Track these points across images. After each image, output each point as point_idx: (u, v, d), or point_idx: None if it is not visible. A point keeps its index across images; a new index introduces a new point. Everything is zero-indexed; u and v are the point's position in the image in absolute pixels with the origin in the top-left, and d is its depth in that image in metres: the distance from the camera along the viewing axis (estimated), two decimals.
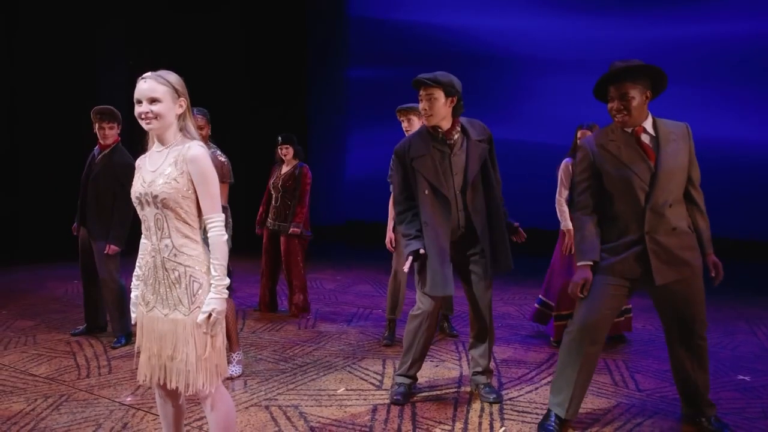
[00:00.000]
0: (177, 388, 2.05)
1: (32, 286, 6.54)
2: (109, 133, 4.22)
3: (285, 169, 5.04)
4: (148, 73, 2.00)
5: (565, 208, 4.13)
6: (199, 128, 3.38)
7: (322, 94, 10.73)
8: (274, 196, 5.02)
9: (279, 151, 5.05)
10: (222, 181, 3.51)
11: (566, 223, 4.11)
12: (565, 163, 4.19)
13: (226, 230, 3.58)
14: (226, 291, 2.03)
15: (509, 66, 9.07)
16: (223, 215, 2.07)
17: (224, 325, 2.08)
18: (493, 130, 3.15)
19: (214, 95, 6.72)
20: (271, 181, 5.08)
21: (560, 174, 4.20)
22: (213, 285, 2.01)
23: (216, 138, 3.91)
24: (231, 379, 3.46)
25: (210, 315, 1.98)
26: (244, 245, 5.53)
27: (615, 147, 2.60)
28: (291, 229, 4.88)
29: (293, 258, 4.97)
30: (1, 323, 4.88)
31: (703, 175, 2.71)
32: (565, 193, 4.15)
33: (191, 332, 2.00)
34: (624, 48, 7.77)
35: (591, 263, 2.64)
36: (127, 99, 2.05)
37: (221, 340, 2.07)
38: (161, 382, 2.04)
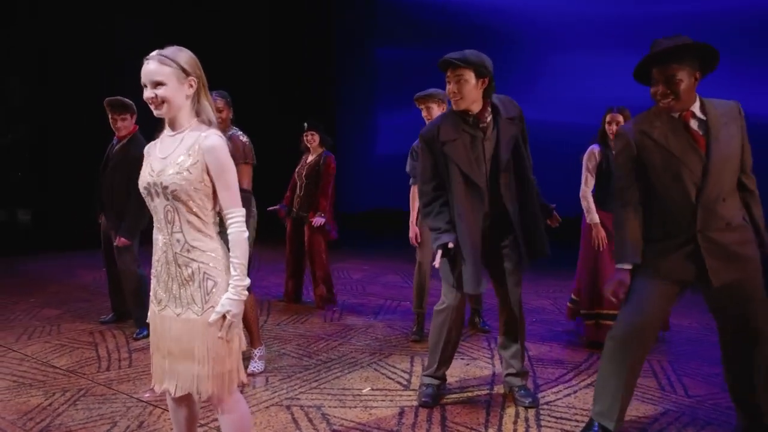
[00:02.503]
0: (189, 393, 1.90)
1: (60, 274, 6.57)
2: (121, 125, 4.14)
3: (310, 157, 4.87)
4: (154, 53, 1.82)
5: (591, 200, 3.80)
6: (218, 111, 3.22)
7: (350, 74, 10.51)
8: (298, 184, 4.87)
9: (304, 137, 4.87)
10: (245, 162, 3.36)
11: (592, 216, 3.79)
12: (591, 150, 3.82)
13: (251, 219, 3.48)
14: (246, 292, 1.86)
15: (544, 43, 8.71)
16: (244, 210, 1.88)
17: (241, 326, 1.91)
18: (523, 109, 2.87)
19: (238, 78, 6.58)
20: (297, 170, 4.92)
21: (585, 162, 3.82)
22: (231, 285, 1.83)
23: (239, 122, 3.75)
24: (253, 375, 3.33)
25: (224, 316, 1.82)
26: (268, 234, 5.40)
27: (661, 135, 2.30)
28: (314, 220, 4.70)
29: (316, 249, 4.81)
30: (27, 312, 4.87)
31: (753, 157, 2.38)
32: (591, 182, 3.80)
33: (204, 334, 1.83)
34: (655, 23, 7.36)
35: (630, 267, 2.40)
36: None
37: (237, 344, 1.90)
38: (172, 389, 1.89)
